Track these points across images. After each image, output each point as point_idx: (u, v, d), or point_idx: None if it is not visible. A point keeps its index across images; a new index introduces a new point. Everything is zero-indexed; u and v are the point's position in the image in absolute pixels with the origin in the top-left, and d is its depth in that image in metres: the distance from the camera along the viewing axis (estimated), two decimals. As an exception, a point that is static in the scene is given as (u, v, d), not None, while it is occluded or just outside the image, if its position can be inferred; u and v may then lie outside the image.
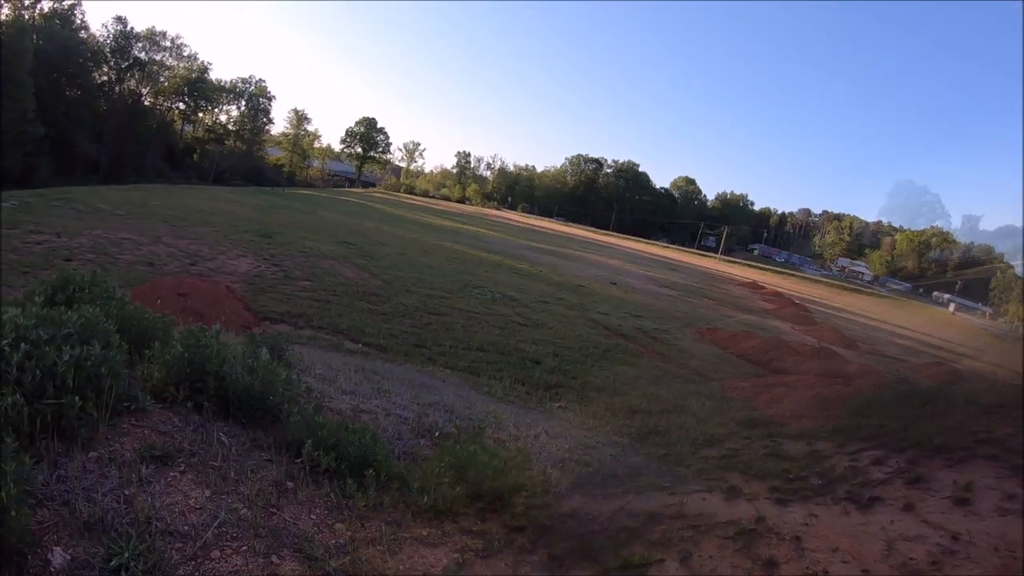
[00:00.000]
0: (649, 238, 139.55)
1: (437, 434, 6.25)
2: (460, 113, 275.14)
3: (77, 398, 3.86)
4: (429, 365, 16.08)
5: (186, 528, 3.36)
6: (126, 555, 2.94)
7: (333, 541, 3.74)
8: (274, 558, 3.39)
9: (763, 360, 25.82)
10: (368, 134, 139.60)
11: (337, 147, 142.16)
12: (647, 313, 34.06)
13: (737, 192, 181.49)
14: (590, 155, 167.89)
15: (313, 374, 7.89)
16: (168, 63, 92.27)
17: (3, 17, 63.26)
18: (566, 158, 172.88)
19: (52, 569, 2.78)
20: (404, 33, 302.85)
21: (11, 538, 2.70)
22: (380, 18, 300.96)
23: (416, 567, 3.77)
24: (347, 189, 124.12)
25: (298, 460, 4.51)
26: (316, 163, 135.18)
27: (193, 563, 3.12)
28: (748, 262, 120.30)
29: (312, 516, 3.97)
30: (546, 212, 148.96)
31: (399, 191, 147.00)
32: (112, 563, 2.91)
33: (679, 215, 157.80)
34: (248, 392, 5.04)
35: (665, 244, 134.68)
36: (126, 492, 3.48)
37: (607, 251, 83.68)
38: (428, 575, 3.75)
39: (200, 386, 4.97)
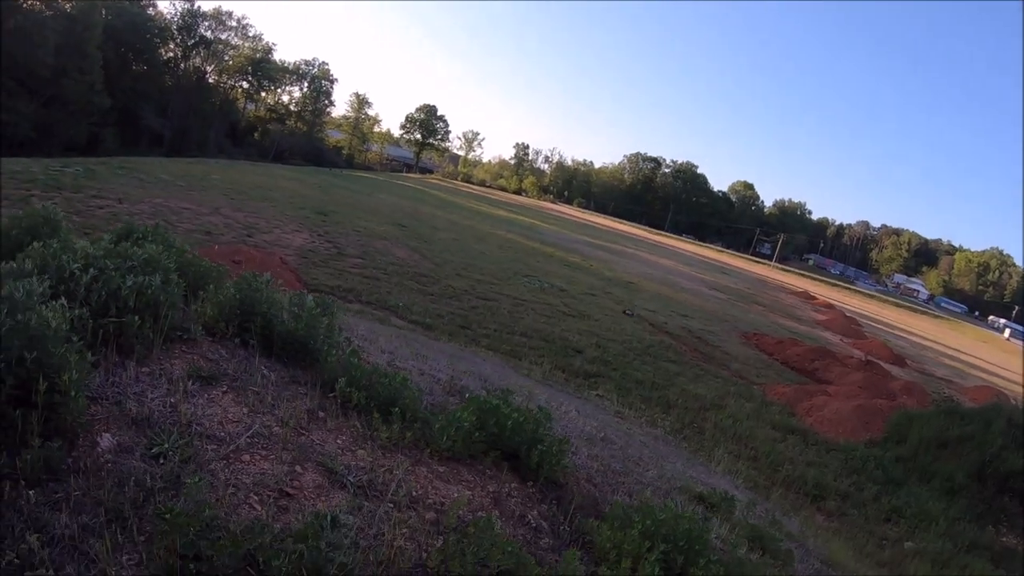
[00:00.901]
0: (704, 241, 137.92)
1: (467, 395, 6.52)
2: (521, 105, 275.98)
3: (136, 318, 4.26)
4: (472, 346, 16.39)
5: (222, 434, 3.72)
6: (166, 446, 3.31)
7: (354, 463, 4.06)
8: (298, 468, 3.72)
9: (808, 368, 25.56)
10: (428, 121, 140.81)
11: (396, 132, 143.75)
12: (694, 313, 33.89)
13: (795, 200, 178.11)
14: (649, 154, 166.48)
15: (356, 334, 8.26)
16: (233, 42, 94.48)
17: None
18: (624, 155, 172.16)
19: (99, 449, 3.15)
20: (468, 21, 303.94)
21: (68, 416, 3.09)
22: (447, 5, 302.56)
23: (427, 495, 4.06)
24: (405, 174, 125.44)
25: (331, 395, 4.85)
26: (375, 147, 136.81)
27: (225, 462, 3.47)
28: (802, 272, 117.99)
29: (338, 441, 4.29)
30: (602, 208, 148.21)
31: (456, 179, 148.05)
32: (153, 450, 3.28)
33: (735, 220, 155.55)
34: (292, 335, 5.41)
35: (720, 248, 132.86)
36: (172, 400, 3.86)
37: (660, 251, 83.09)
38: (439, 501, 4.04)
39: (248, 325, 5.36)
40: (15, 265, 4.05)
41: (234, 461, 3.52)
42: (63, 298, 3.70)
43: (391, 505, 3.69)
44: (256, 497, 3.27)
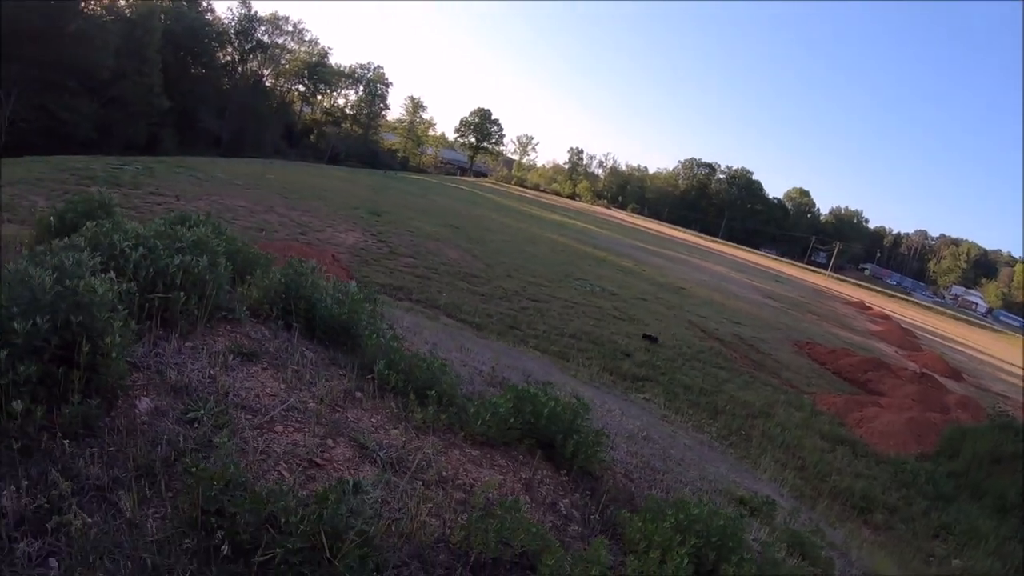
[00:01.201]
0: (758, 248, 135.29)
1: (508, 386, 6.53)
2: (575, 109, 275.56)
3: (182, 295, 4.40)
4: (520, 346, 16.41)
5: (258, 406, 3.80)
6: (201, 412, 3.41)
7: (386, 441, 4.10)
8: (329, 441, 3.77)
9: (860, 379, 24.90)
10: (482, 125, 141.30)
11: (451, 136, 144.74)
12: (746, 321, 33.30)
13: (852, 208, 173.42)
14: (703, 159, 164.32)
15: (401, 325, 8.36)
16: (290, 47, 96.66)
17: None
18: (679, 161, 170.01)
19: (137, 411, 3.26)
20: (523, 25, 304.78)
21: (108, 378, 3.21)
22: (500, 11, 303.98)
23: (457, 476, 4.08)
24: (458, 177, 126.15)
25: (369, 376, 4.92)
26: (430, 150, 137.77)
27: (258, 431, 3.54)
28: (858, 281, 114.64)
29: (372, 420, 4.34)
30: (656, 214, 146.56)
31: (510, 183, 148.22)
32: (188, 415, 3.39)
33: (790, 227, 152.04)
34: (334, 319, 5.53)
35: (774, 256, 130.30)
36: (211, 372, 3.97)
37: (714, 258, 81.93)
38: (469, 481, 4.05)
39: (291, 308, 5.49)
40: (68, 240, 4.23)
41: (267, 431, 3.59)
42: (112, 272, 3.82)
43: (419, 482, 3.72)
44: (285, 465, 3.33)
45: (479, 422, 4.70)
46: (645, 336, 21.55)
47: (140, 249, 4.46)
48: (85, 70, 54.02)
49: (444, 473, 4.00)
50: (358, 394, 4.65)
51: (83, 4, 57.41)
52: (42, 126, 50.28)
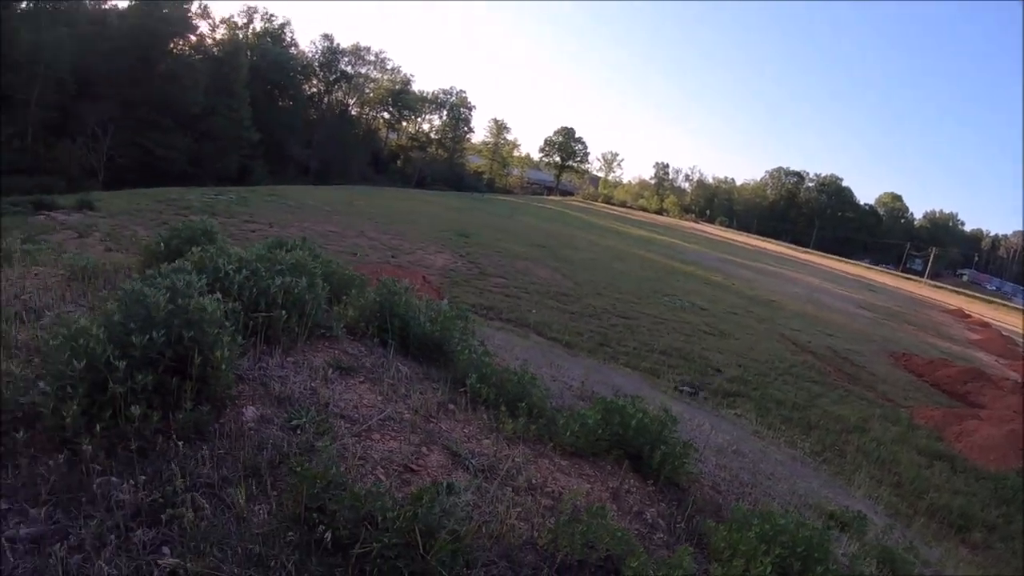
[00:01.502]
0: (851, 257, 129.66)
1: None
2: (658, 123, 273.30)
3: (284, 313, 4.70)
4: (611, 362, 16.41)
5: (356, 416, 4.01)
6: (304, 420, 3.63)
7: (478, 450, 4.24)
8: (424, 449, 3.94)
9: (959, 391, 23.72)
10: (566, 143, 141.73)
11: (536, 156, 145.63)
12: (840, 333, 32.19)
13: (946, 211, 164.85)
14: (791, 168, 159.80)
15: (492, 343, 8.55)
16: (373, 75, 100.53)
17: (220, 36, 73.40)
18: (766, 171, 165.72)
19: (243, 418, 3.52)
20: (606, 42, 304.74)
21: (217, 388, 3.50)
22: (579, 27, 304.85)
23: (546, 484, 4.17)
24: (545, 197, 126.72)
25: (461, 390, 5.10)
26: (515, 171, 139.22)
27: (356, 438, 3.74)
28: (956, 288, 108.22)
29: (464, 431, 4.50)
30: (745, 226, 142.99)
31: (596, 200, 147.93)
32: (292, 423, 3.62)
33: (883, 234, 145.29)
34: (427, 336, 5.76)
35: (868, 264, 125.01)
36: (312, 384, 4.21)
37: (805, 269, 79.56)
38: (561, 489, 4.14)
39: (386, 326, 5.74)
40: (177, 264, 4.58)
41: (365, 438, 3.80)
42: (218, 293, 4.11)
43: (509, 488, 3.82)
44: (382, 470, 3.51)
45: (568, 433, 4.79)
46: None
47: (243, 271, 4.78)
48: (177, 107, 58.04)
49: (533, 481, 4.10)
50: (451, 406, 4.83)
51: (172, 45, 61.36)
52: (139, 161, 54.16)
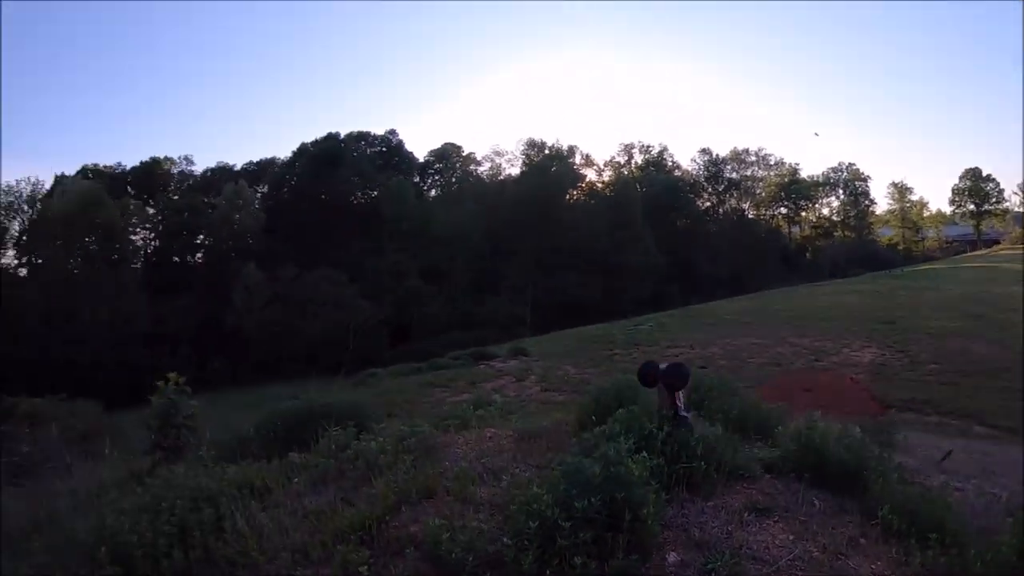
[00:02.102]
0: None
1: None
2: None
3: (702, 464, 5.45)
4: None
5: (767, 556, 4.50)
6: (718, 563, 4.27)
7: (885, 588, 4.40)
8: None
9: None
10: (976, 187, 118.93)
11: (947, 209, 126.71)
12: None
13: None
14: None
15: (916, 455, 8.19)
16: (759, 175, 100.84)
17: (607, 178, 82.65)
18: None
19: (667, 563, 4.29)
20: None
21: (644, 539, 4.34)
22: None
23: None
24: (968, 253, 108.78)
25: (873, 522, 5.21)
26: (931, 232, 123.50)
27: (766, 581, 4.26)
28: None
29: (872, 567, 4.61)
30: None
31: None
32: (707, 567, 4.27)
33: None
34: (842, 466, 5.94)
35: None
36: (728, 528, 4.84)
37: None
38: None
39: (801, 461, 6.11)
40: (606, 428, 5.69)
41: (773, 580, 4.28)
42: (644, 451, 5.08)
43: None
44: (788, 611, 3.96)
45: (978, 563, 4.57)
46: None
47: (665, 427, 5.68)
48: (584, 249, 66.41)
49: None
50: (862, 540, 4.97)
51: (567, 196, 71.18)
52: (558, 303, 63.18)
